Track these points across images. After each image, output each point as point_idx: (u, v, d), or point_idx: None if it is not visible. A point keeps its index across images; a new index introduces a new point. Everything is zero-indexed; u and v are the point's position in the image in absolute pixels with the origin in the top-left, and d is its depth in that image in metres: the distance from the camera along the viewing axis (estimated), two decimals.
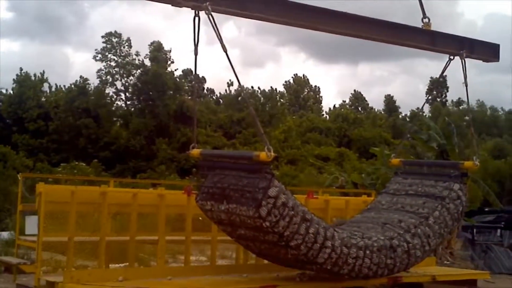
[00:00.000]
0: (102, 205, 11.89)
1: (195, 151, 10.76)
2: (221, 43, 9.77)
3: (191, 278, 11.75)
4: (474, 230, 21.67)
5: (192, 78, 74.88)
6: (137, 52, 66.54)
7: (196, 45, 10.15)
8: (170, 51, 67.07)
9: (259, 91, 78.16)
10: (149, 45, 66.88)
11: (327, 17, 11.17)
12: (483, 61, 13.82)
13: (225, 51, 9.78)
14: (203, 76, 78.78)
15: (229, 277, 12.19)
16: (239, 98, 70.38)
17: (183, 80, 76.76)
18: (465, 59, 12.89)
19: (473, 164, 12.91)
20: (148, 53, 65.79)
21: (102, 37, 67.32)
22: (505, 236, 23.15)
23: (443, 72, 13.53)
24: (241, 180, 10.16)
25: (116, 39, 66.77)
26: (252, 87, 76.15)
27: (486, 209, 28.56)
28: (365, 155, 55.91)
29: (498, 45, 13.69)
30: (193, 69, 10.68)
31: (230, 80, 79.94)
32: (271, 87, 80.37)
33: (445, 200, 12.17)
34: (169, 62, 66.79)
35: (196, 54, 10.26)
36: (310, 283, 11.94)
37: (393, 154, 14.55)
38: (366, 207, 13.34)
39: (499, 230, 23.59)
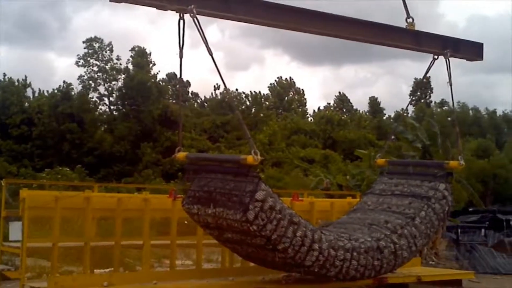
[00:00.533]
0: (86, 210, 11.83)
1: (181, 155, 10.70)
2: (206, 46, 9.74)
3: (177, 282, 11.76)
4: (459, 230, 21.77)
5: (177, 82, 74.78)
6: (117, 56, 66.46)
7: (181, 49, 10.08)
8: (150, 54, 67.01)
9: (244, 94, 78.31)
10: (130, 50, 66.79)
11: (312, 18, 11.16)
12: (467, 60, 13.84)
13: (211, 54, 9.74)
14: (187, 80, 78.59)
15: (215, 280, 12.19)
16: (225, 100, 70.44)
17: (167, 85, 76.78)
18: (449, 58, 12.92)
19: (458, 164, 12.91)
20: (131, 58, 65.68)
21: (84, 42, 67.16)
22: (489, 236, 23.26)
23: (427, 72, 13.54)
24: (228, 183, 10.12)
25: (98, 44, 66.54)
26: (236, 89, 76.36)
27: (470, 209, 28.70)
28: (350, 157, 55.97)
29: (482, 44, 13.73)
30: (177, 73, 10.66)
31: (217, 83, 79.96)
32: (254, 91, 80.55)
33: (431, 200, 12.15)
34: (150, 65, 66.63)
35: (181, 57, 10.21)
36: (295, 285, 11.97)
37: (378, 154, 14.52)
38: (352, 208, 13.30)
39: (483, 230, 23.72)
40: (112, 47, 66.82)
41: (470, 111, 70.67)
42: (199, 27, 9.59)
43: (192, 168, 10.92)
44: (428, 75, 13.74)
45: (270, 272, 12.19)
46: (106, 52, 66.65)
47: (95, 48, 66.41)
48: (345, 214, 13.23)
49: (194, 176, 10.79)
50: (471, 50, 13.64)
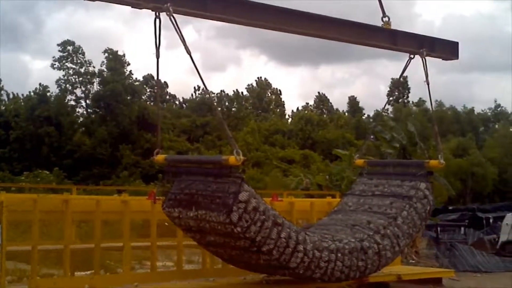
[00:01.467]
0: (65, 213, 11.74)
1: (160, 157, 10.49)
2: (184, 45, 9.54)
3: (158, 284, 11.72)
4: (439, 228, 21.90)
5: (154, 84, 74.56)
6: (89, 60, 66.24)
7: (157, 48, 9.97)
8: (124, 55, 66.75)
9: (224, 94, 78.31)
10: (103, 52, 66.48)
11: (289, 17, 11.10)
12: (443, 59, 13.83)
13: (189, 53, 9.52)
14: (165, 81, 78.48)
15: (196, 281, 12.18)
16: (205, 101, 70.39)
17: (144, 86, 76.59)
18: (426, 57, 12.95)
19: (438, 162, 12.90)
20: (104, 61, 65.41)
21: (58, 45, 66.83)
22: (469, 234, 23.44)
23: (403, 71, 13.51)
24: (209, 185, 9.93)
25: (71, 47, 66.17)
26: (221, 91, 76.41)
27: (450, 208, 28.89)
28: (329, 157, 56.16)
29: (457, 43, 13.75)
30: (154, 75, 10.57)
31: (197, 85, 80.00)
32: (236, 89, 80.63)
33: (412, 200, 12.09)
34: (124, 68, 66.34)
35: (157, 57, 10.08)
36: (276, 286, 11.97)
37: (356, 155, 14.48)
38: (333, 209, 13.17)
39: (463, 228, 23.90)
40: (82, 50, 66.56)
41: (448, 111, 71.08)
42: (176, 26, 9.43)
43: (172, 170, 10.71)
44: (405, 74, 13.74)
45: (250, 273, 12.18)
46: (79, 55, 66.32)
47: (69, 51, 66.02)
48: (326, 215, 13.12)
49: (174, 179, 10.59)
50: (446, 49, 13.65)
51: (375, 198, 12.67)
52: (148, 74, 77.87)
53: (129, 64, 67.13)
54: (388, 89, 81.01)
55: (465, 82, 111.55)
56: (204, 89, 10.12)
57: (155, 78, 10.69)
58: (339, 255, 10.69)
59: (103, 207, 12.20)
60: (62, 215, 11.78)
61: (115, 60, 65.45)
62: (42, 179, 38.38)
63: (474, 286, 14.90)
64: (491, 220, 25.24)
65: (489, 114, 75.70)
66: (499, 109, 75.57)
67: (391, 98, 72.17)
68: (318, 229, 11.83)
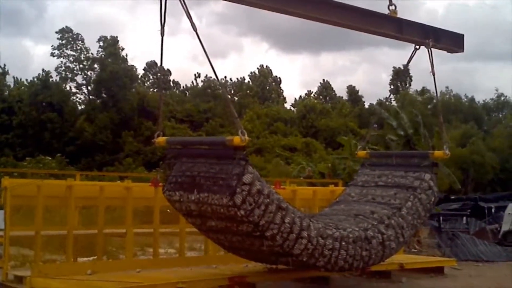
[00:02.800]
0: (68, 198, 11.78)
1: (161, 139, 10.32)
2: (190, 21, 9.34)
3: (160, 271, 11.75)
4: (441, 218, 21.84)
5: (157, 71, 74.52)
6: (86, 48, 66.12)
7: (162, 25, 9.79)
8: (118, 41, 66.56)
9: (229, 81, 78.36)
10: (97, 41, 66.37)
11: (295, 0, 11.04)
12: (448, 51, 13.76)
13: (195, 30, 9.34)
14: (168, 69, 78.31)
15: (198, 268, 12.22)
16: (211, 86, 70.40)
17: (147, 73, 76.61)
18: (431, 48, 12.90)
19: (444, 153, 12.87)
20: (101, 48, 65.28)
21: (56, 32, 66.69)
22: (471, 224, 23.40)
23: (409, 61, 13.50)
24: (212, 167, 9.68)
25: (69, 34, 66.01)
26: (225, 77, 76.23)
27: (452, 197, 28.87)
28: (331, 145, 56.14)
29: (463, 36, 13.70)
30: (157, 61, 10.47)
31: (197, 72, 79.98)
32: (242, 77, 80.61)
33: (416, 191, 12.05)
34: (122, 54, 66.32)
35: (162, 35, 9.87)
36: (278, 273, 12.00)
37: (359, 147, 14.47)
38: (335, 200, 13.14)
39: (465, 218, 23.84)
40: (81, 36, 66.48)
41: (452, 98, 70.91)
42: (183, 3, 9.30)
43: (173, 152, 10.49)
44: (405, 63, 13.73)
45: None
46: (78, 41, 66.19)
47: (68, 39, 65.91)
48: (328, 206, 13.07)
49: (175, 161, 10.36)
50: (452, 41, 13.58)
51: (379, 189, 12.62)
52: (152, 60, 78.03)
53: (123, 49, 66.96)
54: (390, 78, 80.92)
55: (467, 71, 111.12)
56: (210, 67, 9.81)
57: (159, 59, 10.54)
58: (343, 243, 10.56)
59: (106, 193, 12.26)
60: (66, 200, 11.83)
61: (113, 46, 65.28)
62: (44, 165, 38.41)
63: (475, 275, 14.90)
64: (493, 210, 25.22)
65: (490, 103, 75.53)
66: (502, 98, 75.53)
67: (398, 86, 71.89)
68: (320, 219, 11.72)
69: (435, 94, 14.42)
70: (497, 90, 77.79)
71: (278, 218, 9.65)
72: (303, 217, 10.22)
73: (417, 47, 13.04)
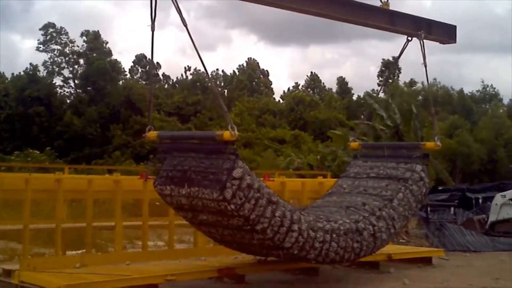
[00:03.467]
0: (57, 192, 11.77)
1: (152, 134, 10.38)
2: (181, 17, 9.47)
3: (149, 263, 11.76)
4: (429, 208, 21.93)
5: (146, 63, 74.42)
6: (71, 40, 65.86)
7: (153, 21, 9.85)
8: (100, 35, 66.28)
9: (219, 74, 78.26)
10: (80, 36, 66.05)
11: None
12: (440, 42, 13.80)
13: (185, 25, 9.46)
14: (157, 62, 78.10)
15: (187, 261, 12.24)
16: (202, 76, 70.26)
17: (136, 66, 76.39)
18: (423, 40, 12.92)
19: (435, 144, 12.95)
20: (85, 42, 64.98)
21: (40, 29, 66.41)
22: (458, 214, 23.48)
23: (401, 53, 13.51)
24: (202, 161, 9.77)
25: (53, 29, 65.71)
26: (217, 69, 76.10)
27: (440, 188, 28.95)
28: (320, 137, 56.17)
29: (455, 27, 13.73)
30: (146, 54, 10.50)
31: (187, 65, 79.80)
32: (234, 71, 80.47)
33: (408, 182, 12.11)
34: (106, 46, 66.05)
35: (153, 30, 9.95)
36: (267, 265, 12.05)
37: (351, 138, 14.52)
38: (328, 192, 13.18)
39: (452, 208, 23.92)
40: (65, 30, 66.22)
41: (439, 90, 70.96)
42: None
43: (164, 147, 10.59)
44: (394, 55, 13.81)
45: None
46: (62, 35, 65.90)
47: (52, 34, 65.59)
48: (321, 198, 13.11)
49: (166, 156, 10.45)
50: (444, 33, 13.62)
51: (371, 180, 12.67)
52: (141, 53, 77.83)
53: (107, 42, 66.73)
54: (379, 70, 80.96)
55: (455, 63, 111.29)
56: (200, 63, 9.88)
57: (150, 52, 10.54)
58: (334, 235, 10.62)
59: (95, 186, 12.25)
60: (54, 194, 11.82)
61: (96, 40, 65.00)
62: (33, 158, 38.26)
63: (463, 264, 14.99)
64: (480, 200, 25.35)
65: (477, 95, 75.68)
66: (488, 89, 75.72)
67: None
68: (312, 211, 11.72)
69: (426, 86, 14.52)
70: (483, 82, 77.98)
71: (269, 212, 9.72)
72: (294, 210, 10.27)
73: (410, 38, 13.07)
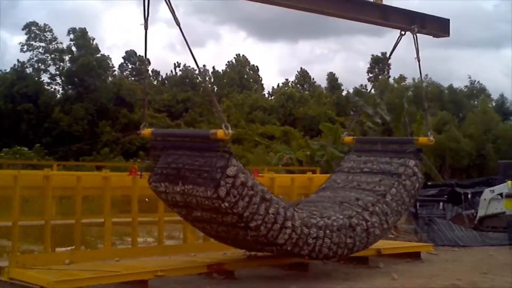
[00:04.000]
0: (46, 188, 11.75)
1: (146, 131, 10.49)
2: (173, 15, 9.60)
3: (138, 259, 11.77)
4: (418, 204, 21.99)
5: (136, 60, 74.28)
6: (55, 37, 65.59)
7: (146, 19, 9.98)
8: (87, 32, 66.03)
9: (209, 70, 78.06)
10: (67, 34, 65.71)
11: None
12: (434, 36, 13.82)
13: (178, 24, 9.63)
14: (147, 58, 77.64)
15: (177, 257, 12.25)
16: (191, 72, 70.10)
17: (126, 62, 76.15)
18: (417, 34, 12.94)
19: (428, 139, 13.04)
20: (72, 40, 64.72)
21: (22, 29, 66.03)
22: (447, 209, 23.56)
23: (394, 48, 13.49)
24: (197, 159, 9.88)
25: (36, 27, 65.40)
26: (204, 65, 75.97)
27: (429, 183, 29.05)
28: (309, 133, 56.23)
29: (448, 20, 13.75)
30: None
31: (177, 62, 79.57)
32: (223, 69, 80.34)
33: (401, 177, 12.17)
34: (93, 42, 65.80)
35: (146, 28, 10.06)
36: (256, 260, 12.09)
37: (345, 132, 14.58)
38: (321, 186, 13.24)
39: (441, 204, 24.00)
40: (49, 27, 65.90)
41: (429, 86, 71.07)
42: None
43: (158, 144, 10.69)
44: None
45: (232, 247, 12.27)
46: (46, 32, 65.57)
47: (35, 32, 65.29)
48: (315, 192, 13.17)
49: (160, 153, 10.55)
50: (437, 26, 13.64)
51: (364, 175, 12.72)
52: (131, 49, 77.57)
53: (94, 39, 66.49)
54: (369, 65, 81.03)
55: (443, 59, 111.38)
56: (193, 60, 9.98)
57: (143, 50, 10.66)
58: (328, 232, 10.69)
59: (84, 183, 12.23)
60: (43, 191, 11.80)
61: (83, 37, 64.73)
62: (22, 155, 38.14)
63: (452, 259, 15.04)
64: (469, 196, 25.41)
65: (464, 90, 75.83)
66: (476, 84, 75.91)
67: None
68: (306, 206, 11.84)
69: (418, 81, 14.62)
70: (470, 77, 78.18)
71: (262, 209, 9.83)
72: (287, 207, 10.37)
73: (403, 33, 13.09)
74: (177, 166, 10.14)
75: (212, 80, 77.14)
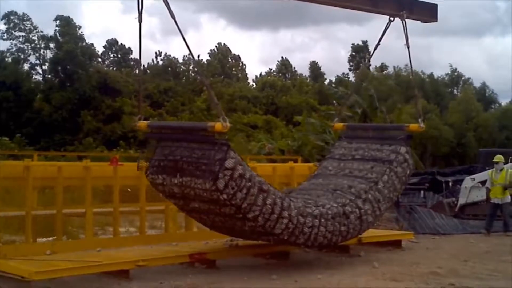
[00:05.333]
0: (26, 179, 11.69)
1: (142, 123, 10.61)
2: (168, 8, 9.59)
3: (120, 249, 11.78)
4: None
5: (118, 49, 74.03)
6: (35, 26, 65.11)
7: (140, 12, 10.06)
8: (72, 20, 65.59)
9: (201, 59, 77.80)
10: (54, 20, 65.14)
11: None
12: (422, 21, 13.88)
13: (173, 17, 9.63)
14: (129, 47, 77.36)
15: (159, 246, 12.29)
16: (173, 61, 69.76)
17: (108, 52, 75.77)
18: (405, 20, 12.98)
19: (419, 126, 13.15)
20: (57, 27, 64.22)
21: (2, 19, 65.32)
22: (428, 197, 23.75)
23: (383, 34, 13.47)
24: (194, 152, 9.97)
25: (15, 16, 64.86)
26: (177, 56, 75.70)
27: None
28: (292, 122, 56.26)
29: (436, 5, 13.80)
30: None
31: (158, 50, 79.17)
32: (207, 59, 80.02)
33: (392, 164, 12.29)
34: (79, 31, 65.32)
35: (140, 21, 10.15)
36: (238, 250, 12.14)
37: (335, 119, 14.63)
38: (313, 173, 13.34)
39: (422, 192, 24.20)
40: (28, 16, 65.33)
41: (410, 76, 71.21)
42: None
43: (155, 136, 10.82)
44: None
45: (213, 236, 12.33)
46: (26, 21, 64.99)
47: (14, 21, 64.75)
48: (307, 180, 13.26)
49: (157, 145, 10.66)
50: (426, 12, 13.70)
51: (356, 162, 12.82)
52: (112, 38, 77.19)
53: (80, 27, 66.01)
54: (350, 54, 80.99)
55: (423, 47, 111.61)
56: (188, 51, 10.02)
57: (138, 42, 10.68)
58: (323, 220, 10.85)
59: (65, 173, 12.19)
60: (24, 181, 11.74)
61: (68, 25, 64.26)
62: (2, 146, 37.88)
63: (432, 247, 15.15)
64: (450, 184, 25.60)
65: (446, 79, 76.11)
66: (457, 73, 76.19)
67: (352, 64, 71.85)
68: (299, 194, 11.98)
69: (404, 69, 14.69)
70: (451, 66, 78.51)
71: (260, 200, 9.98)
72: (284, 197, 10.52)
73: (392, 19, 13.13)
74: (174, 158, 10.23)
75: (195, 69, 76.91)
